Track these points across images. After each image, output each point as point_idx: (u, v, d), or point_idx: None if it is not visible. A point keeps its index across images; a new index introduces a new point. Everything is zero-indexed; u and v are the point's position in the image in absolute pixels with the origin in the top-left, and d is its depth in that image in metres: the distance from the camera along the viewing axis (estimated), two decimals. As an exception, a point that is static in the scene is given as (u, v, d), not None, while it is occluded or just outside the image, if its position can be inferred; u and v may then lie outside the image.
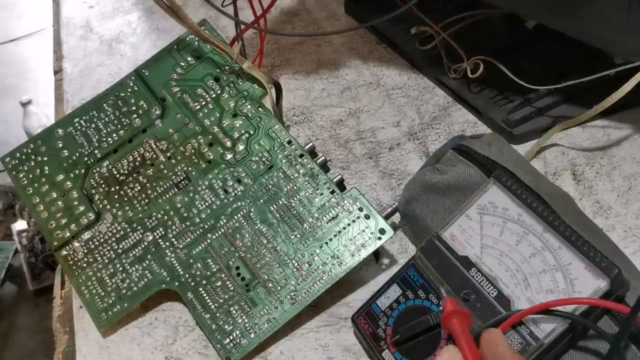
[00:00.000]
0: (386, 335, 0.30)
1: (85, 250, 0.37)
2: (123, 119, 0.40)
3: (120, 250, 0.37)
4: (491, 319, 0.27)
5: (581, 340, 0.27)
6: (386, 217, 0.35)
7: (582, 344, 0.27)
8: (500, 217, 0.30)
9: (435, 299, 0.30)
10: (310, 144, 0.38)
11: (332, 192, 0.35)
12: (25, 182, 0.40)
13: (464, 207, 0.31)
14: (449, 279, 0.29)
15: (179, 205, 0.37)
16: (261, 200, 0.36)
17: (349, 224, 0.34)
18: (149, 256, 0.36)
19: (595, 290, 0.26)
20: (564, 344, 0.27)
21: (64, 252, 0.37)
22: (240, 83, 0.40)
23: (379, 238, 0.34)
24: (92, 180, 0.39)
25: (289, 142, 0.37)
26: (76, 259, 0.37)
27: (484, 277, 0.29)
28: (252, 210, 0.36)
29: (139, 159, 0.39)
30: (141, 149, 0.39)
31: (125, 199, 0.38)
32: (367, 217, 0.34)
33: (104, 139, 0.40)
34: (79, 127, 0.41)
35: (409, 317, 0.30)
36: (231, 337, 0.33)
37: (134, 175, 0.38)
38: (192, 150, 0.38)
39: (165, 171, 0.38)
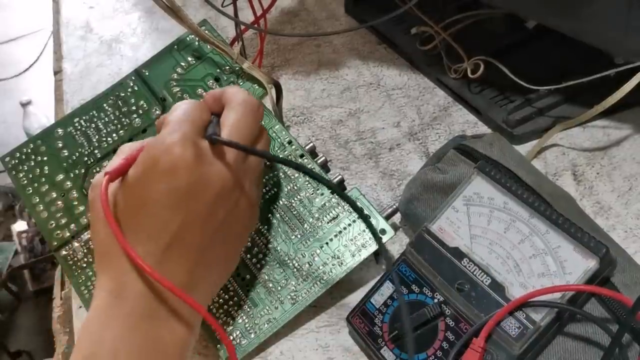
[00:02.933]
0: (383, 332, 0.31)
1: (85, 250, 0.37)
2: (123, 119, 0.40)
3: (120, 251, 0.36)
4: (487, 307, 0.28)
5: (570, 324, 0.28)
6: (387, 218, 0.35)
7: (571, 328, 0.28)
8: (487, 206, 0.30)
9: (430, 292, 0.30)
10: (311, 144, 0.38)
11: (333, 192, 0.35)
12: (25, 182, 0.40)
13: (449, 199, 0.32)
14: (442, 271, 0.30)
15: (179, 206, 0.37)
16: (261, 201, 0.36)
17: (349, 224, 0.34)
18: (149, 256, 0.36)
19: (585, 271, 0.27)
20: (553, 330, 0.27)
21: (64, 252, 0.37)
22: (241, 83, 0.40)
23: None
24: (92, 180, 0.39)
25: (290, 142, 0.37)
26: (76, 259, 0.37)
27: (477, 267, 0.29)
28: (252, 210, 0.36)
29: (139, 159, 0.39)
30: (141, 149, 0.39)
31: (125, 199, 0.38)
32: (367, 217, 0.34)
33: (104, 139, 0.40)
34: (79, 127, 0.41)
35: (405, 312, 0.30)
36: (231, 338, 0.33)
37: (134, 175, 0.38)
38: (192, 151, 0.38)
39: (165, 171, 0.38)
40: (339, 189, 0.29)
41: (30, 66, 1.92)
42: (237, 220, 0.30)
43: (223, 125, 0.31)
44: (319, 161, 0.37)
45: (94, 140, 0.40)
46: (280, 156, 0.36)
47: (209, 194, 0.28)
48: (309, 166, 0.36)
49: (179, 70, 0.41)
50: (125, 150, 0.30)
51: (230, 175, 0.29)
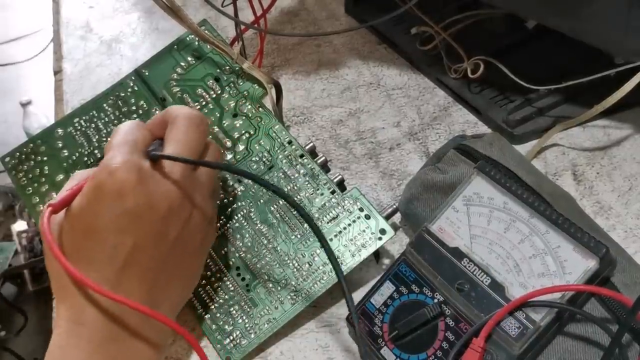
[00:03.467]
0: (383, 332, 0.31)
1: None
2: (123, 119, 0.40)
3: (120, 251, 0.36)
4: (487, 307, 0.28)
5: (570, 324, 0.28)
6: (387, 218, 0.35)
7: (570, 328, 0.28)
8: (487, 206, 0.30)
9: (430, 292, 0.30)
10: (311, 144, 0.38)
11: (333, 192, 0.35)
12: (25, 182, 0.40)
13: (449, 199, 0.32)
14: (442, 271, 0.30)
15: (179, 206, 0.37)
16: (261, 201, 0.36)
17: (349, 224, 0.34)
18: (149, 256, 0.36)
19: (585, 271, 0.27)
20: (553, 330, 0.27)
21: (64, 253, 0.37)
22: (241, 83, 0.40)
23: (380, 238, 0.34)
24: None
25: (290, 142, 0.37)
26: (76, 259, 0.37)
27: (476, 267, 0.29)
28: (253, 210, 0.36)
29: (139, 159, 0.39)
30: (141, 149, 0.39)
31: (125, 199, 0.38)
32: (367, 217, 0.34)
33: (104, 139, 0.40)
34: (79, 127, 0.41)
35: (405, 312, 0.30)
36: (231, 338, 0.33)
37: (134, 175, 0.38)
38: (192, 151, 0.38)
39: (165, 171, 0.38)
40: (292, 200, 0.29)
41: (30, 66, 1.92)
42: (191, 235, 0.30)
43: (166, 142, 0.30)
44: (319, 161, 0.37)
45: (94, 140, 0.40)
46: (229, 164, 0.34)
47: (157, 214, 0.28)
48: (309, 166, 0.36)
49: (178, 70, 0.41)
50: (77, 177, 0.30)
51: (178, 193, 0.29)
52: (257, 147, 0.38)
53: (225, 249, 0.35)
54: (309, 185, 0.36)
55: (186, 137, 0.30)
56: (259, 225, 0.36)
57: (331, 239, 0.34)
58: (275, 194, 0.30)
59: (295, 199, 0.36)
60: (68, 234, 0.28)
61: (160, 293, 0.29)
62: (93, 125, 0.40)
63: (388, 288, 0.32)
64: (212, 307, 0.34)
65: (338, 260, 0.34)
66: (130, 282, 0.28)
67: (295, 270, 0.34)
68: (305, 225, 0.35)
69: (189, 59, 0.41)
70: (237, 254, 0.35)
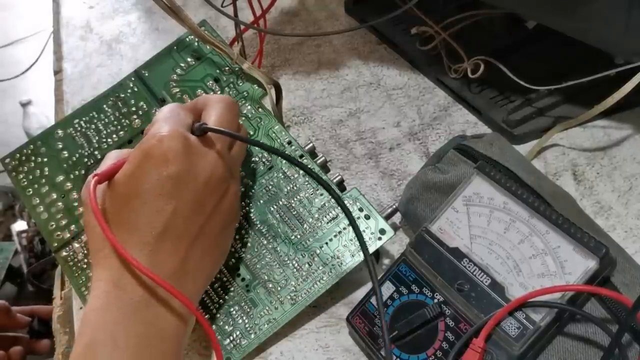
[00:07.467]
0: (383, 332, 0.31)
1: (86, 252, 0.37)
2: (123, 120, 0.40)
3: (120, 251, 0.36)
4: (487, 307, 0.28)
5: (570, 324, 0.28)
6: (386, 218, 0.35)
7: (570, 328, 0.28)
8: (486, 206, 0.30)
9: (430, 292, 0.30)
10: (311, 144, 0.38)
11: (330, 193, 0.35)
12: (25, 183, 0.40)
13: (450, 200, 0.32)
14: (442, 271, 0.30)
15: (179, 206, 0.37)
16: (261, 201, 0.36)
17: (349, 224, 0.34)
18: (149, 257, 0.36)
19: (585, 271, 0.27)
20: (553, 330, 0.27)
21: (64, 253, 0.37)
22: (240, 84, 0.40)
23: (380, 238, 0.34)
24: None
25: (289, 143, 0.37)
26: (76, 259, 0.37)
27: (476, 267, 0.29)
28: (252, 210, 0.36)
29: (139, 159, 0.39)
30: (141, 149, 0.39)
31: (125, 199, 0.38)
32: (367, 217, 0.34)
33: (104, 140, 0.40)
34: (79, 128, 0.41)
35: (405, 312, 0.30)
36: (231, 338, 0.33)
37: (134, 175, 0.38)
38: (192, 151, 0.38)
39: (165, 172, 0.38)
40: (332, 186, 0.30)
41: (30, 66, 1.92)
42: (225, 209, 0.32)
43: (206, 122, 0.32)
44: (318, 161, 0.37)
45: (94, 141, 0.40)
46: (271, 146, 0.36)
47: (198, 183, 0.30)
48: (309, 166, 0.36)
49: (178, 71, 0.41)
50: (113, 155, 0.32)
51: (219, 165, 0.31)
52: (257, 148, 0.38)
53: (226, 249, 0.35)
54: (308, 185, 0.36)
55: (222, 118, 0.32)
56: (259, 225, 0.36)
57: (331, 239, 0.34)
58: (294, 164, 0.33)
59: (295, 199, 0.36)
60: (110, 202, 0.30)
61: (192, 263, 0.30)
62: (93, 126, 0.40)
63: (388, 288, 0.32)
64: (212, 307, 0.34)
65: (338, 260, 0.34)
66: (166, 249, 0.29)
67: (295, 270, 0.34)
68: (305, 225, 0.35)
69: (189, 59, 0.41)
70: (237, 255, 0.35)
